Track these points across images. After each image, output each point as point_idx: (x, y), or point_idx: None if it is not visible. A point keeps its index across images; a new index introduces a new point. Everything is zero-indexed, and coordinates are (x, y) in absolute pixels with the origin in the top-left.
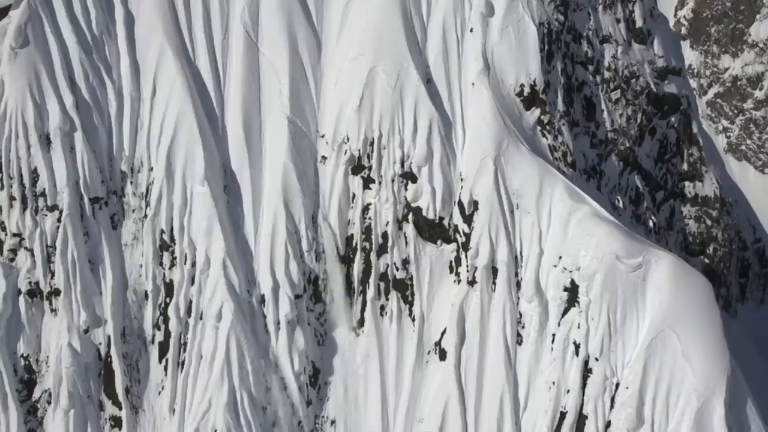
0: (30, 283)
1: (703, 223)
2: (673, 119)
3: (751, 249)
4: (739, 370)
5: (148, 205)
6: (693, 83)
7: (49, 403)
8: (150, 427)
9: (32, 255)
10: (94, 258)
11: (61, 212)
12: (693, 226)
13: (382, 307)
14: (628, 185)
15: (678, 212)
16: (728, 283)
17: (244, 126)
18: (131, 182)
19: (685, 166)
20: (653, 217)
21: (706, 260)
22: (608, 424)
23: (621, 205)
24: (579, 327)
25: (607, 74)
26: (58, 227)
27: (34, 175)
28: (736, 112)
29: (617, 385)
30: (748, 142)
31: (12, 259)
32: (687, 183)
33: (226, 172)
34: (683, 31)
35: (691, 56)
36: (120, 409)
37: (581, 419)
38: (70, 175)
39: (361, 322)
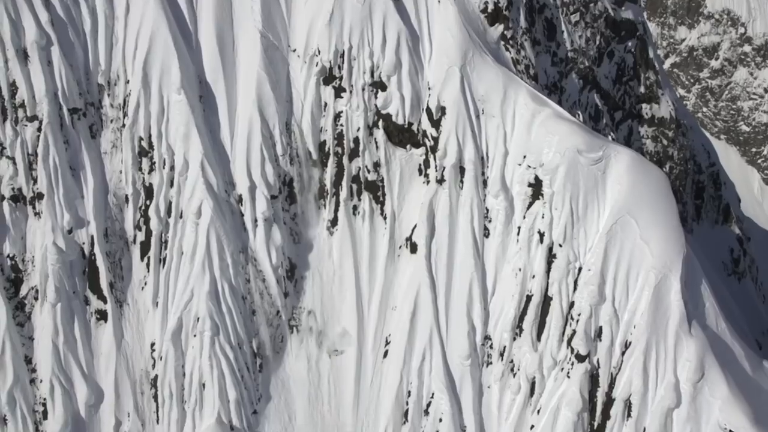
0: (13, 189)
1: (660, 142)
2: (630, 44)
3: (705, 172)
4: (694, 255)
5: (125, 115)
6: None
7: (36, 299)
8: (134, 320)
9: (14, 163)
10: (75, 164)
11: (41, 122)
12: (650, 146)
13: (355, 207)
14: (588, 102)
15: (636, 132)
16: (684, 200)
17: (218, 40)
18: (108, 94)
19: (642, 89)
20: (612, 134)
21: None
22: (572, 305)
23: (581, 120)
24: (543, 217)
25: None
26: (38, 136)
27: (13, 87)
28: (692, 81)
29: (580, 269)
30: (705, 109)
31: None
32: (644, 105)
33: (201, 83)
34: (641, 3)
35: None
36: (105, 303)
37: (546, 301)
38: (48, 87)
39: (334, 222)
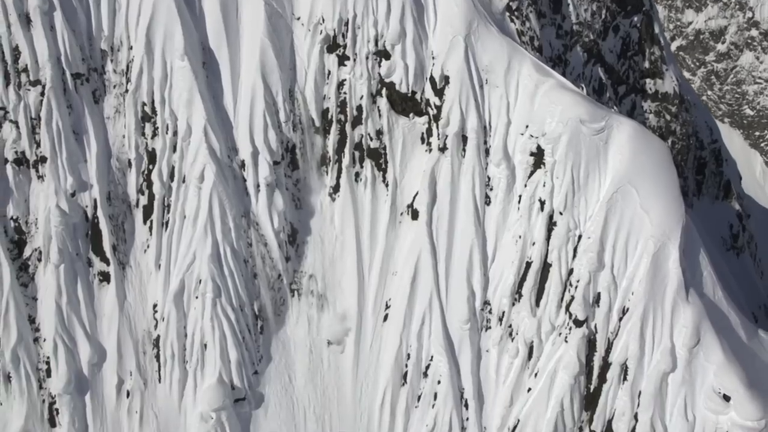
0: (16, 152)
1: (663, 117)
2: (635, 19)
3: (707, 149)
4: (693, 225)
5: (128, 80)
6: None
7: (39, 260)
8: (137, 281)
9: (17, 127)
10: (78, 129)
11: (43, 86)
12: (653, 120)
13: (357, 174)
14: (592, 76)
15: (639, 107)
16: (685, 176)
17: (221, 7)
18: (111, 60)
19: (646, 64)
20: (615, 108)
21: None
22: (571, 271)
23: (585, 93)
24: (544, 185)
25: None
26: (41, 101)
27: (16, 52)
28: (698, 64)
29: (580, 236)
30: (709, 93)
31: None
32: (648, 80)
33: (204, 50)
34: None
35: None
36: (108, 265)
37: (545, 268)
38: (51, 51)
39: (336, 188)
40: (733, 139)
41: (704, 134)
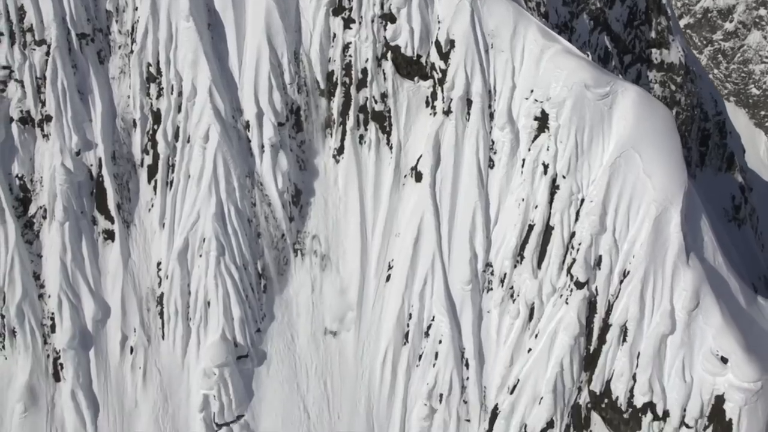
0: (21, 111)
1: (668, 87)
2: None
3: (712, 120)
4: (695, 191)
5: (134, 41)
6: None
7: (44, 218)
8: (141, 240)
9: (22, 86)
10: (83, 88)
11: (49, 46)
12: (658, 90)
13: (361, 137)
14: (597, 44)
15: (644, 76)
16: (689, 146)
17: None
18: (116, 21)
19: (653, 34)
20: (620, 76)
21: None
22: (573, 235)
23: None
24: (548, 149)
25: None
26: (46, 60)
27: (21, 11)
28: (705, 42)
29: (582, 200)
30: (716, 71)
31: (2, 90)
32: (654, 50)
33: (209, 11)
34: None
35: None
36: (112, 223)
37: (548, 230)
38: (56, 11)
39: (340, 150)
40: (738, 118)
41: (709, 106)
